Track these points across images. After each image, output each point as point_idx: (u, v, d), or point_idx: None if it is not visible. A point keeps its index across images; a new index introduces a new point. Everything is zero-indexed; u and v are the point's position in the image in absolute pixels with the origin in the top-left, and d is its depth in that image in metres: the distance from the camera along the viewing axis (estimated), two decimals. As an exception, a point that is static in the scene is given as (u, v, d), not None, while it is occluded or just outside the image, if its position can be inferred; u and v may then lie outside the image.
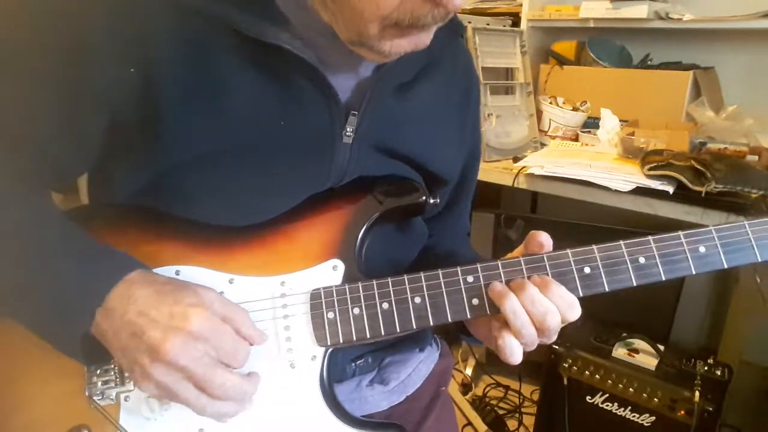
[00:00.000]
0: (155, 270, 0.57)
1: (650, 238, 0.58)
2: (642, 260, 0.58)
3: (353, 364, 0.73)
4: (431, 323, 0.59)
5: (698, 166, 1.27)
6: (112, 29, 0.54)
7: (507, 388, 2.06)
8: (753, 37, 1.74)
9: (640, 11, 1.66)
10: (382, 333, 0.59)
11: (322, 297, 0.60)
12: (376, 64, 0.63)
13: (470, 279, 0.59)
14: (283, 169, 0.62)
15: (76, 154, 0.59)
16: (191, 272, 0.60)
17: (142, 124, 0.57)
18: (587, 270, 0.58)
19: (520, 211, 1.92)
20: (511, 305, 0.56)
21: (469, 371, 2.10)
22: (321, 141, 0.63)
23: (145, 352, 0.51)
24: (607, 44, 1.91)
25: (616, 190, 1.35)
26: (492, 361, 2.09)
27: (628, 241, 0.58)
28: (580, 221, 1.68)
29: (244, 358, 0.55)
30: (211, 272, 0.60)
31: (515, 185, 1.53)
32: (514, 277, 0.59)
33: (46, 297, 0.53)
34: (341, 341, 0.60)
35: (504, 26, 1.89)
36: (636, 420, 1.45)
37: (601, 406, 1.49)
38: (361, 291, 0.60)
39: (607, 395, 1.48)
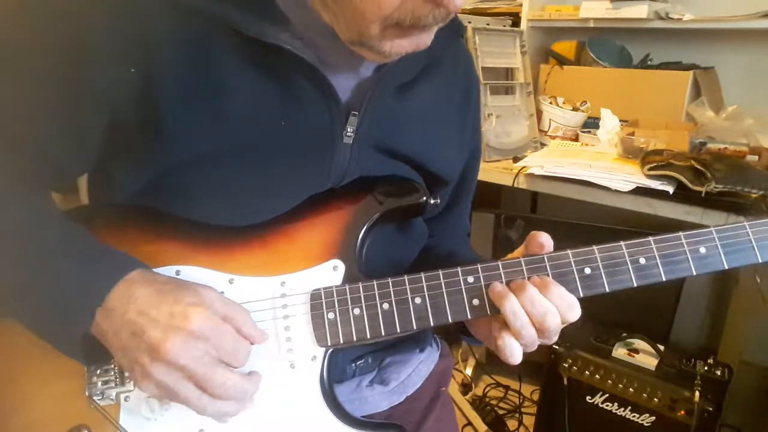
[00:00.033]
0: (155, 270, 0.57)
1: (651, 238, 0.58)
2: (642, 261, 0.58)
3: (353, 365, 0.73)
4: (432, 324, 0.59)
5: (698, 166, 1.27)
6: (112, 29, 0.54)
7: (507, 388, 2.06)
8: (753, 37, 1.73)
9: (640, 11, 1.66)
10: (383, 333, 0.59)
11: (323, 297, 0.60)
12: (376, 65, 0.63)
13: (471, 279, 0.59)
14: (283, 169, 0.62)
15: (76, 154, 0.59)
16: (191, 272, 0.59)
17: (143, 124, 0.57)
18: (588, 270, 0.58)
19: (520, 211, 1.92)
20: (511, 306, 0.56)
21: (469, 371, 2.10)
22: (321, 141, 0.63)
23: (146, 352, 0.51)
24: (607, 44, 1.91)
25: (616, 190, 1.35)
26: (492, 361, 2.09)
27: (629, 242, 0.58)
28: (580, 221, 1.68)
29: (245, 357, 0.55)
30: (211, 272, 0.60)
31: (515, 185, 1.53)
32: (515, 277, 0.59)
33: (46, 297, 0.53)
34: (341, 341, 0.60)
35: (504, 26, 1.89)
36: (636, 420, 1.45)
37: (601, 406, 1.49)
38: (361, 291, 0.60)
39: (607, 395, 1.47)
